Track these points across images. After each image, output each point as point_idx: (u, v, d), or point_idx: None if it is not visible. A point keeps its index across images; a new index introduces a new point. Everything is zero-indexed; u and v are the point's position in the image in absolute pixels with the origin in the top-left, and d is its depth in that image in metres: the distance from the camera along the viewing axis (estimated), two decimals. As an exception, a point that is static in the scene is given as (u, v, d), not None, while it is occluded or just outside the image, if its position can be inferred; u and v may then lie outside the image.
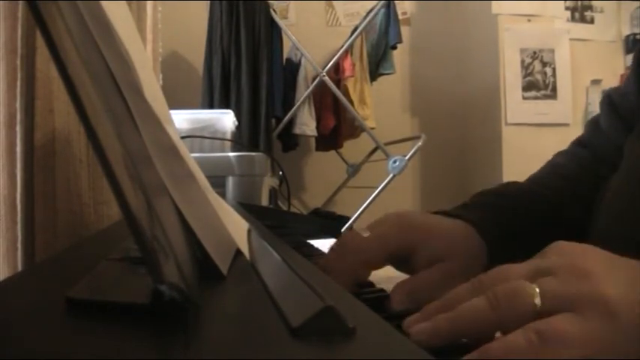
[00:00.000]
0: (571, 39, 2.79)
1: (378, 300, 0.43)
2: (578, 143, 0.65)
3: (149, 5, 1.20)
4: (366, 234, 0.48)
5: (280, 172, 1.54)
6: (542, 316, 0.29)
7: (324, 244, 0.70)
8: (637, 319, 0.28)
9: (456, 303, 0.32)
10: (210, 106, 2.28)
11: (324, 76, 2.35)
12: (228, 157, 1.23)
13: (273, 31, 2.39)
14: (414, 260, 0.47)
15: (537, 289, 0.30)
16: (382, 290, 0.46)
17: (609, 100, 0.60)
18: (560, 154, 0.68)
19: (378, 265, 0.48)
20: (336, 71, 2.50)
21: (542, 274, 0.31)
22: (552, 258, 0.32)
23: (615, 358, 0.28)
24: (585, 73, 2.82)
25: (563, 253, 0.32)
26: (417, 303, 0.43)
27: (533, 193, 0.58)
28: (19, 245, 0.64)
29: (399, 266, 0.49)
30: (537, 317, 0.29)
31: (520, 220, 0.53)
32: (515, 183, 0.61)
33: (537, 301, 0.29)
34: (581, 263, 0.31)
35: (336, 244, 0.50)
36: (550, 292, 0.30)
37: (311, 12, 3.06)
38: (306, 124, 2.48)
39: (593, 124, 0.63)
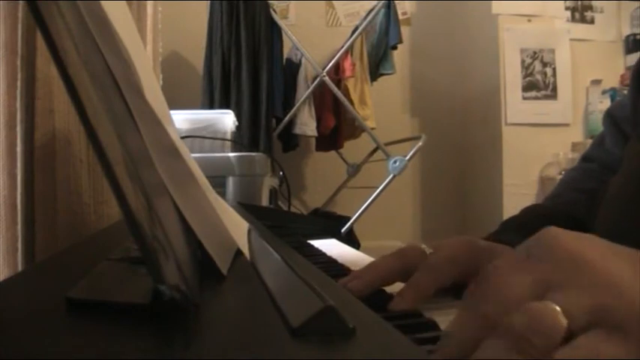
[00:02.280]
0: (571, 39, 2.79)
1: (378, 300, 0.43)
2: (585, 159, 0.66)
3: (149, 5, 1.20)
4: (429, 251, 0.45)
5: (280, 172, 1.54)
6: (574, 336, 0.25)
7: (324, 245, 0.70)
8: None
9: (465, 343, 0.27)
10: (210, 106, 2.28)
11: (324, 76, 2.35)
12: (228, 157, 1.23)
13: (274, 31, 2.39)
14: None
15: (557, 307, 0.25)
16: (382, 290, 0.45)
17: (610, 115, 0.61)
18: (571, 170, 0.69)
19: (445, 284, 0.44)
20: (336, 71, 2.50)
21: (549, 287, 0.27)
22: (550, 263, 0.28)
23: None
24: (585, 73, 2.82)
25: (560, 256, 0.28)
26: None
27: (559, 212, 0.59)
28: (19, 245, 0.64)
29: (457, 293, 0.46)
30: (566, 337, 0.25)
31: None
32: (538, 205, 0.62)
33: (563, 320, 0.25)
34: (592, 261, 0.27)
35: (398, 254, 0.46)
36: (573, 309, 0.25)
37: (311, 12, 3.06)
38: (307, 124, 2.48)
39: (598, 141, 0.65)
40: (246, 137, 2.22)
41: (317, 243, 0.70)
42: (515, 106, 2.71)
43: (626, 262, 0.28)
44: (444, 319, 0.36)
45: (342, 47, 2.44)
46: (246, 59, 2.28)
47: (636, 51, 2.83)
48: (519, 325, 0.25)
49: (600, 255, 0.28)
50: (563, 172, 2.58)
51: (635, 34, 2.87)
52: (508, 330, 0.25)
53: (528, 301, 0.26)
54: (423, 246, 0.46)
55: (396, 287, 0.47)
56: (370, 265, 0.45)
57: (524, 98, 2.72)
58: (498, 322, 0.26)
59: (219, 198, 0.43)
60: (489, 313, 0.27)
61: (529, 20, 2.76)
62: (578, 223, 0.57)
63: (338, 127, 2.62)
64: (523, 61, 2.73)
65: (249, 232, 0.49)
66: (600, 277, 0.26)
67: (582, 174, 0.65)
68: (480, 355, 0.26)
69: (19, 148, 0.65)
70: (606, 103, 2.77)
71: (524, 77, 2.73)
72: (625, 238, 0.43)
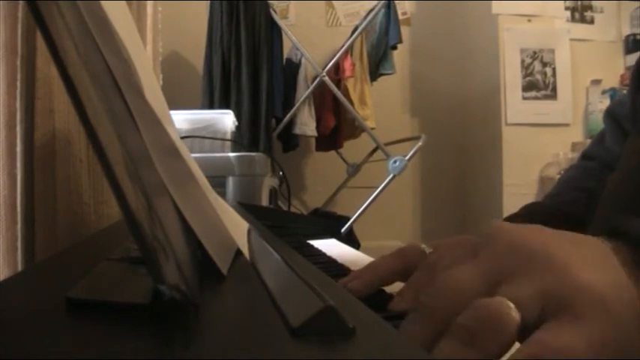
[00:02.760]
0: (571, 39, 2.79)
1: (378, 300, 0.43)
2: (584, 157, 0.67)
3: (149, 5, 1.20)
4: (428, 250, 0.45)
5: (280, 172, 1.54)
6: (526, 330, 0.24)
7: (324, 245, 0.70)
8: (626, 306, 0.25)
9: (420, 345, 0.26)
10: (210, 106, 2.28)
11: (324, 76, 2.35)
12: (228, 157, 1.23)
13: (273, 31, 2.39)
14: None
15: (509, 303, 0.25)
16: (382, 290, 0.45)
17: (611, 113, 0.62)
18: (570, 168, 0.69)
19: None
20: (336, 71, 2.50)
21: (497, 277, 0.27)
22: (497, 252, 0.28)
23: (620, 357, 0.24)
24: (585, 73, 2.82)
25: (504, 243, 0.28)
26: None
27: (557, 211, 0.60)
28: (19, 245, 0.64)
29: None
30: (521, 332, 0.25)
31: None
32: (537, 203, 0.62)
33: (515, 315, 0.24)
34: (537, 249, 0.27)
35: (398, 254, 0.46)
36: (524, 300, 0.25)
37: (311, 12, 3.06)
38: (306, 124, 2.48)
39: (598, 138, 0.65)
40: (246, 137, 2.22)
41: (317, 243, 0.70)
42: (515, 106, 2.71)
43: (572, 244, 0.28)
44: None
45: (342, 47, 2.44)
46: (246, 59, 2.28)
47: (636, 51, 2.83)
48: (472, 322, 0.25)
49: (544, 242, 0.27)
50: (563, 172, 2.58)
51: (635, 34, 2.87)
52: (461, 328, 0.25)
53: (479, 297, 0.26)
54: (423, 245, 0.46)
55: (396, 287, 0.47)
56: (370, 265, 0.45)
57: (524, 98, 2.72)
58: (450, 320, 0.26)
59: (219, 198, 0.43)
60: (440, 311, 0.27)
61: (529, 20, 2.76)
62: (577, 222, 0.57)
63: (338, 127, 2.62)
64: (523, 61, 2.74)
65: (249, 232, 0.49)
66: (545, 263, 0.26)
67: (582, 172, 0.66)
68: (436, 356, 0.25)
69: (19, 148, 0.65)
70: (606, 103, 2.77)
71: (524, 77, 2.73)
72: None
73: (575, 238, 0.28)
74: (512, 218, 0.60)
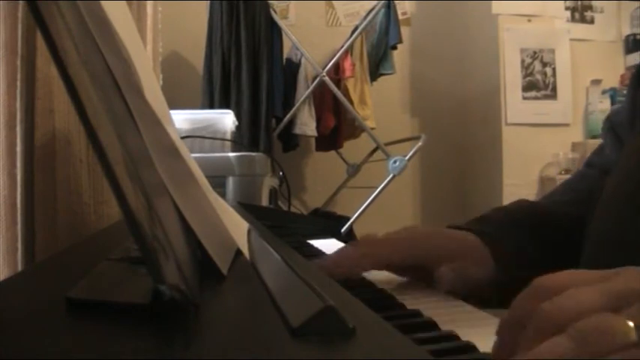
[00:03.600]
0: (571, 39, 2.79)
1: (378, 300, 0.43)
2: (586, 165, 0.68)
3: (149, 5, 1.20)
4: (380, 235, 0.52)
5: (280, 172, 1.54)
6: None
7: (324, 244, 0.70)
8: None
9: (529, 343, 0.26)
10: (210, 106, 2.27)
11: (324, 76, 2.35)
12: (228, 157, 1.23)
13: (273, 31, 2.39)
14: (427, 265, 0.50)
15: (630, 324, 0.25)
16: (382, 290, 0.46)
17: (609, 122, 0.62)
18: (572, 174, 0.70)
19: (382, 265, 0.51)
20: (336, 71, 2.50)
21: (620, 301, 0.26)
22: (621, 281, 0.28)
23: None
24: (585, 73, 2.82)
25: (631, 275, 0.28)
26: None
27: (541, 207, 0.60)
28: (19, 245, 0.64)
29: (410, 273, 0.53)
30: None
31: (525, 232, 0.55)
32: (524, 200, 0.63)
33: (632, 335, 0.24)
34: None
35: (355, 243, 0.53)
36: None
37: (311, 12, 3.06)
38: (307, 124, 2.48)
39: (598, 148, 0.66)
40: (246, 137, 2.22)
41: (317, 243, 0.70)
42: (515, 106, 2.71)
43: None
44: (444, 319, 0.36)
45: (342, 47, 2.44)
46: (246, 59, 2.28)
47: (636, 51, 2.83)
48: (590, 328, 0.25)
49: None
50: (563, 172, 2.58)
51: (635, 34, 2.87)
52: (578, 331, 0.25)
53: (601, 312, 0.26)
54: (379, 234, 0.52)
55: (391, 283, 0.47)
56: (334, 253, 0.51)
57: (524, 98, 2.72)
58: (566, 324, 0.25)
59: (219, 198, 0.43)
60: (558, 318, 0.26)
61: (529, 20, 2.76)
62: (566, 221, 0.57)
63: (338, 127, 2.62)
64: (523, 61, 2.73)
65: (249, 232, 0.49)
66: None
67: (579, 177, 0.67)
68: (542, 348, 0.25)
69: (19, 148, 0.65)
70: (606, 103, 2.77)
71: (524, 77, 2.73)
72: (622, 236, 0.43)
73: None
74: (497, 211, 0.60)
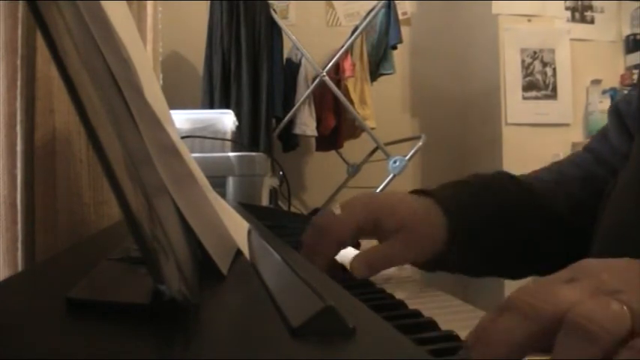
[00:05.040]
0: (571, 39, 2.79)
1: (378, 300, 0.43)
2: (584, 149, 0.67)
3: (149, 5, 1.20)
4: (337, 211, 0.53)
5: (280, 172, 1.54)
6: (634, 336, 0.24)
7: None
8: None
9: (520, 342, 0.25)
10: (210, 106, 2.27)
11: (324, 76, 2.35)
12: (228, 157, 1.23)
13: (274, 31, 2.38)
14: (379, 232, 0.52)
15: (625, 308, 0.24)
16: (382, 290, 0.46)
17: (616, 109, 0.62)
18: (566, 157, 0.70)
19: (349, 242, 0.53)
20: (336, 71, 2.50)
21: (605, 290, 0.26)
22: (603, 275, 0.27)
23: None
24: (585, 73, 2.82)
25: (610, 269, 0.28)
26: (376, 272, 0.49)
27: (516, 182, 0.60)
28: (19, 245, 0.64)
29: (368, 238, 0.54)
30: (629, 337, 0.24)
31: (484, 199, 0.55)
32: (501, 172, 0.63)
33: (628, 318, 0.24)
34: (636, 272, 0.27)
35: (311, 224, 0.54)
36: (637, 309, 0.24)
37: (311, 12, 3.06)
38: (307, 124, 2.47)
39: (601, 132, 0.66)
40: (246, 137, 2.22)
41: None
42: (515, 106, 2.71)
43: None
44: (444, 318, 0.36)
45: (342, 47, 2.44)
46: (246, 59, 2.28)
47: (636, 51, 2.83)
48: (587, 317, 0.24)
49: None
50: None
51: (635, 34, 2.87)
52: (575, 323, 0.24)
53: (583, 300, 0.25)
54: (334, 208, 0.54)
55: (390, 282, 0.47)
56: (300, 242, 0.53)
57: (525, 98, 2.72)
58: (552, 319, 0.25)
59: (219, 198, 0.43)
60: (542, 310, 0.25)
61: (529, 20, 2.76)
62: (527, 197, 0.58)
63: (338, 127, 2.62)
64: (523, 61, 2.73)
65: (249, 232, 0.49)
66: None
67: (570, 162, 0.66)
68: (559, 354, 0.24)
69: (19, 148, 0.65)
70: (606, 103, 2.77)
71: (524, 77, 2.73)
72: (633, 233, 0.43)
73: None
74: (473, 177, 0.60)
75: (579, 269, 0.28)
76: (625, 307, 0.24)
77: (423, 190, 0.56)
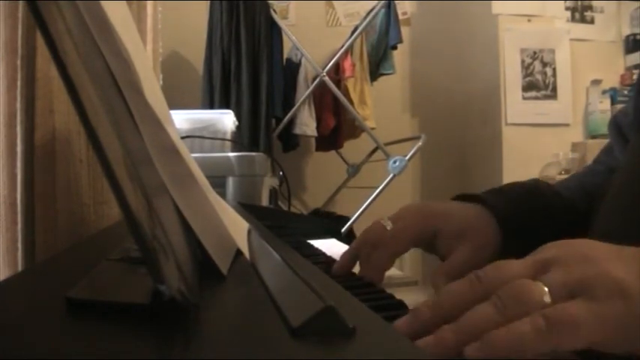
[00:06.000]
0: (571, 39, 2.78)
1: (378, 300, 0.43)
2: (594, 162, 0.69)
3: (149, 5, 1.20)
4: (389, 226, 0.52)
5: (280, 172, 1.54)
6: None
7: (324, 244, 0.70)
8: None
9: (455, 309, 0.30)
10: (210, 106, 2.27)
11: (324, 76, 2.35)
12: (228, 157, 1.23)
13: (274, 31, 2.38)
14: (437, 243, 0.52)
15: (544, 287, 0.28)
16: (382, 291, 0.46)
17: (615, 122, 0.63)
18: (580, 169, 0.72)
19: (402, 254, 0.53)
20: (336, 71, 2.50)
21: (544, 268, 0.30)
22: (551, 251, 0.31)
23: (628, 342, 0.27)
24: (585, 73, 2.82)
25: (561, 245, 0.31)
26: None
27: (552, 189, 0.61)
28: (19, 245, 0.65)
29: (426, 249, 0.54)
30: None
31: (536, 211, 0.56)
32: (539, 180, 0.64)
33: (546, 298, 0.28)
34: (584, 251, 0.30)
35: (363, 236, 0.54)
36: (556, 285, 0.28)
37: (311, 12, 3.06)
38: (307, 124, 2.47)
39: (607, 147, 0.67)
40: (246, 137, 2.22)
41: (317, 243, 0.70)
42: (515, 106, 2.71)
43: (613, 250, 0.30)
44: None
45: (342, 47, 2.44)
46: (246, 59, 2.28)
47: (636, 51, 2.83)
48: (506, 293, 0.29)
49: (590, 246, 0.30)
50: (563, 172, 2.58)
51: (635, 34, 2.87)
52: (497, 297, 0.29)
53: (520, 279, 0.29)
54: (383, 221, 0.53)
55: (391, 283, 0.47)
56: (345, 252, 0.53)
57: (524, 98, 2.72)
58: (491, 290, 0.29)
59: (219, 198, 0.43)
60: (482, 279, 0.31)
61: (529, 20, 2.76)
62: (568, 205, 0.59)
63: (338, 127, 2.62)
64: (523, 61, 2.73)
65: (249, 232, 0.49)
66: (584, 259, 0.29)
67: (588, 171, 0.68)
68: (467, 317, 0.29)
69: (19, 148, 0.65)
70: (606, 103, 2.77)
71: (524, 77, 2.73)
72: (627, 235, 0.43)
73: (617, 247, 0.31)
74: (513, 186, 0.61)
75: (541, 247, 0.33)
76: (546, 292, 0.28)
77: (467, 195, 0.56)
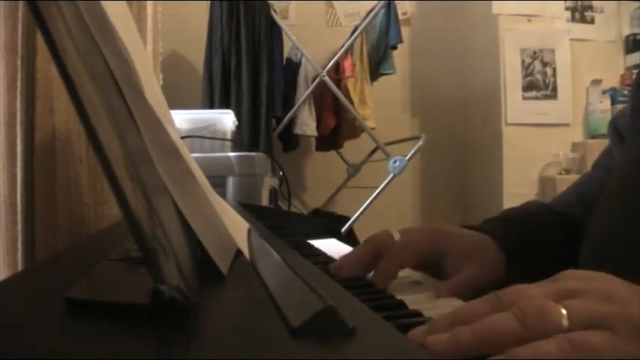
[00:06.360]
0: (571, 39, 2.78)
1: (378, 300, 0.43)
2: (593, 167, 0.69)
3: (149, 5, 1.20)
4: (397, 237, 0.53)
5: (280, 172, 1.54)
6: None
7: (324, 244, 0.70)
8: None
9: (474, 317, 0.30)
10: (210, 106, 2.27)
11: (324, 76, 2.35)
12: (228, 157, 1.23)
13: (274, 31, 2.38)
14: (444, 263, 0.52)
15: (564, 311, 0.28)
16: (382, 290, 0.46)
17: (614, 125, 0.63)
18: (581, 175, 0.72)
19: (407, 267, 0.53)
20: (336, 71, 2.50)
21: (566, 296, 0.30)
22: (572, 281, 0.31)
23: None
24: (585, 73, 2.82)
25: (580, 277, 0.31)
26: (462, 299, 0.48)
27: (548, 208, 0.61)
28: (19, 245, 0.65)
29: (426, 270, 0.54)
30: None
31: (535, 232, 0.57)
32: (537, 202, 0.65)
33: (564, 322, 0.28)
34: (606, 288, 0.30)
35: (369, 242, 0.54)
36: (577, 313, 0.28)
37: (311, 12, 3.06)
38: (307, 124, 2.48)
39: (607, 150, 0.67)
40: (246, 137, 2.22)
41: (317, 243, 0.70)
42: (516, 106, 2.71)
43: (633, 289, 0.30)
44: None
45: (342, 47, 2.44)
46: (246, 59, 2.28)
47: (636, 51, 2.83)
48: (528, 307, 0.28)
49: (625, 293, 0.30)
50: (563, 172, 2.58)
51: (635, 34, 2.87)
52: (517, 308, 0.28)
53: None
54: (393, 231, 0.53)
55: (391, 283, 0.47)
56: (348, 254, 0.52)
57: (525, 98, 2.72)
58: (511, 304, 0.29)
59: (219, 198, 0.43)
60: (502, 297, 0.31)
61: (529, 20, 2.76)
62: (569, 222, 0.58)
63: (338, 127, 2.62)
64: (523, 61, 2.73)
65: (249, 232, 0.49)
66: (607, 295, 0.29)
67: (586, 179, 0.67)
68: (486, 320, 0.29)
69: (19, 148, 0.65)
70: (606, 103, 2.77)
71: (524, 77, 2.73)
72: (622, 235, 0.43)
73: (637, 287, 0.31)
74: (507, 210, 0.61)
75: (561, 275, 0.32)
76: (564, 316, 0.28)
77: (474, 226, 0.57)
